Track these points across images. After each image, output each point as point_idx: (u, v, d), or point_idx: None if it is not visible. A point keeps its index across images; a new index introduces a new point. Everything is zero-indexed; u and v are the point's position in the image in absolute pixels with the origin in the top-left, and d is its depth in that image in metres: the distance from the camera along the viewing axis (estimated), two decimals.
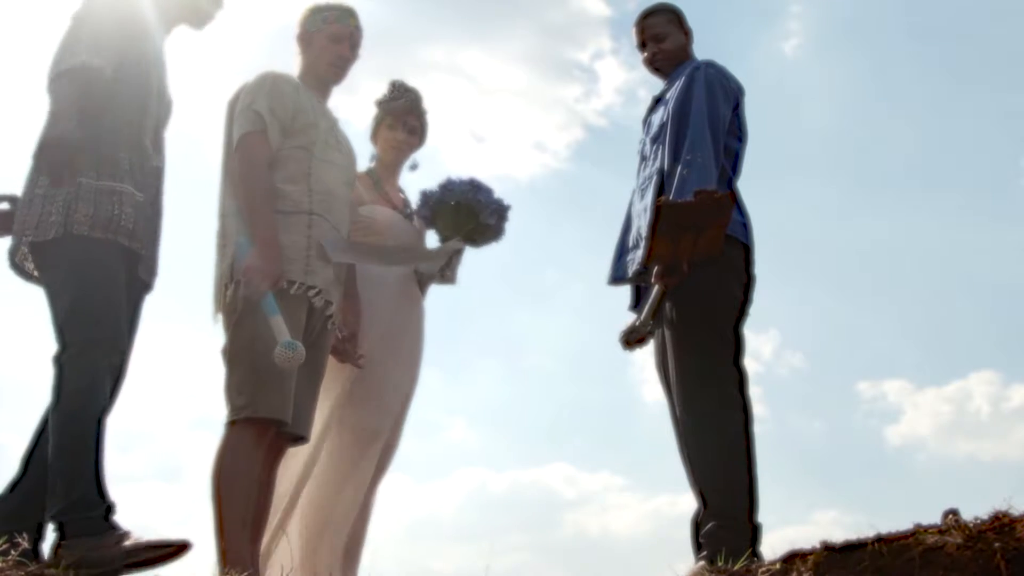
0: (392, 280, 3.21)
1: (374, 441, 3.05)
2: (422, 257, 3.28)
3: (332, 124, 2.92)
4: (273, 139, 2.72)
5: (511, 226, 3.33)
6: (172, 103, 2.76)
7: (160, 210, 2.66)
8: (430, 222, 3.32)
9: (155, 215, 2.63)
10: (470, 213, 3.22)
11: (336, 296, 2.80)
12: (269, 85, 2.78)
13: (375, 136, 3.43)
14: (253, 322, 2.56)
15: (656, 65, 3.03)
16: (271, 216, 2.64)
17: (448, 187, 3.25)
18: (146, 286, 2.61)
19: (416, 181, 3.42)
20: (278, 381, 2.53)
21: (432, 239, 3.36)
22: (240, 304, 2.60)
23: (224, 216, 2.77)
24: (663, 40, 3.00)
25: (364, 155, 3.23)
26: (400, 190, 3.43)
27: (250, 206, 2.64)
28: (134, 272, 2.53)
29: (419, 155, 3.43)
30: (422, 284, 3.31)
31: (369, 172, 3.36)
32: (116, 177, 2.47)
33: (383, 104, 3.40)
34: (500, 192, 3.29)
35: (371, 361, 3.06)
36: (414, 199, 3.39)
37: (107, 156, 2.48)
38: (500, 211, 3.26)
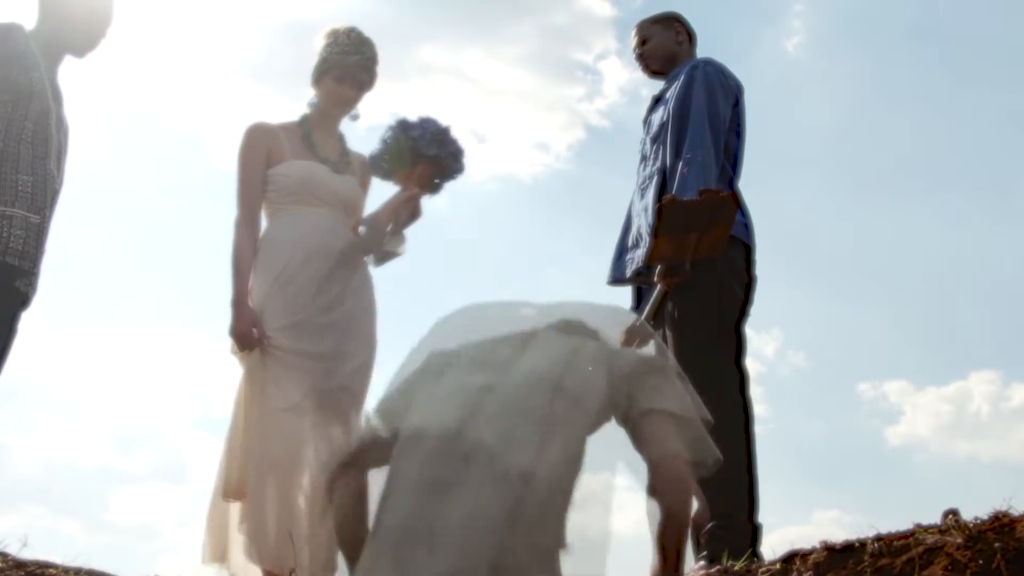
0: (309, 242, 2.95)
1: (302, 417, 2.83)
2: (371, 235, 3.03)
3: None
4: None
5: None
6: (69, 129, 2.92)
7: (49, 228, 2.81)
8: (386, 178, 3.11)
9: (45, 232, 2.78)
10: (412, 152, 3.01)
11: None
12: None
13: (318, 83, 3.11)
14: None
15: (642, 65, 3.11)
16: None
17: (383, 143, 3.06)
18: (25, 301, 2.74)
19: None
20: None
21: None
22: None
23: None
24: (646, 42, 3.08)
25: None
26: (339, 138, 3.18)
27: None
28: (11, 285, 2.68)
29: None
30: (379, 259, 3.07)
31: (301, 122, 3.12)
32: (6, 201, 2.65)
33: (334, 55, 3.06)
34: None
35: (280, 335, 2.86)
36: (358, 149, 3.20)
37: (3, 181, 2.67)
38: (438, 135, 3.03)
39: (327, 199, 3.02)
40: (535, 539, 1.49)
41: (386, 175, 3.10)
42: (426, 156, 3.01)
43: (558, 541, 1.54)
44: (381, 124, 3.35)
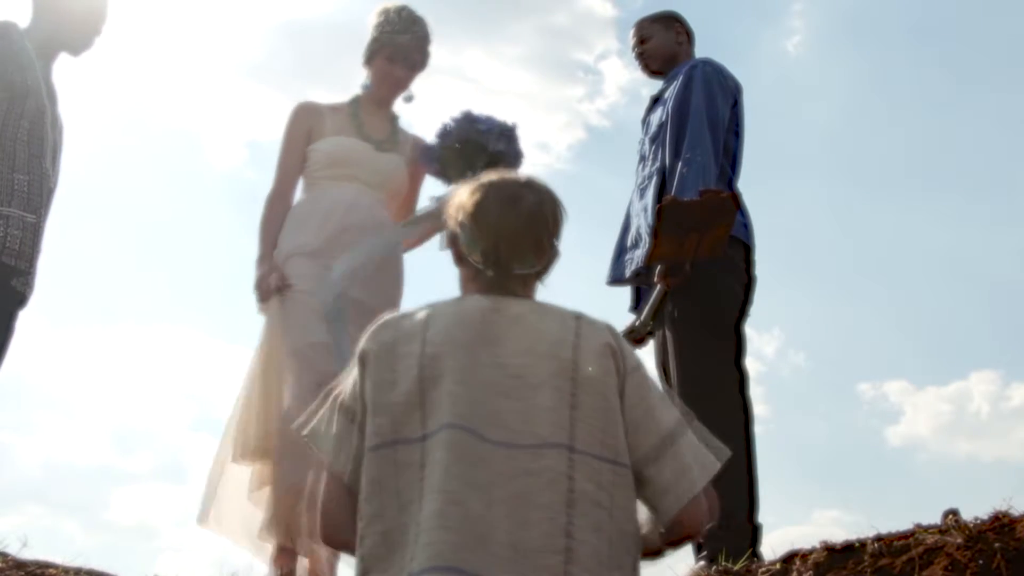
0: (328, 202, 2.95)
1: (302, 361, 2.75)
2: (419, 220, 3.01)
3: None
4: None
5: None
6: (64, 127, 2.93)
7: (45, 227, 2.82)
8: (442, 175, 3.02)
9: (41, 232, 2.80)
10: (477, 147, 2.92)
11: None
12: None
13: (370, 63, 3.07)
14: None
15: (642, 64, 3.10)
16: None
17: (445, 132, 2.98)
18: (22, 300, 2.75)
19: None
20: None
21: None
22: None
23: None
24: (646, 41, 3.07)
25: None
26: (391, 118, 3.13)
27: None
28: (8, 285, 2.69)
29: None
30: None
31: (352, 101, 3.10)
32: (3, 201, 2.67)
33: (386, 34, 3.02)
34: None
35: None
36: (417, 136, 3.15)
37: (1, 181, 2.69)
38: (505, 132, 2.95)
39: (361, 175, 2.98)
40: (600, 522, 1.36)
41: (444, 168, 2.99)
42: (491, 152, 2.92)
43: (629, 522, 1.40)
44: None
